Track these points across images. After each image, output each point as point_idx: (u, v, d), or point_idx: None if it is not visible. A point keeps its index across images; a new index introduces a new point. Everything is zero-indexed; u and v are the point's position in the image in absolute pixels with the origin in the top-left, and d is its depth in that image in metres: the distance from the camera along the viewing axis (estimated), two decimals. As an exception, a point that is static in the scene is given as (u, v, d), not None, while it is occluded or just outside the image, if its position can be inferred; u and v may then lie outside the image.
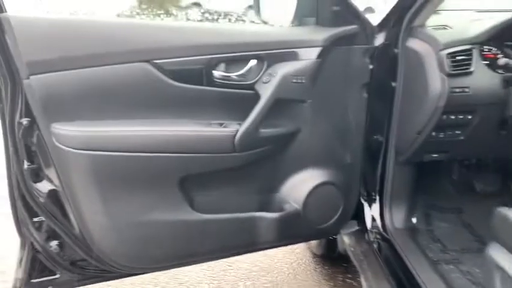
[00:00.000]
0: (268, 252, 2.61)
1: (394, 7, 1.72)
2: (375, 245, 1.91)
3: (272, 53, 1.61)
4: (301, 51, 1.63)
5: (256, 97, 1.60)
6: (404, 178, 1.93)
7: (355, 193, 1.96)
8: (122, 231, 1.59)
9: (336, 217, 1.89)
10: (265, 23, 1.92)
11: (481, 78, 1.68)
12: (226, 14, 1.87)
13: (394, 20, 1.72)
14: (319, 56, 1.63)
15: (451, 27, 1.84)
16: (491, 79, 1.69)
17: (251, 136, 1.60)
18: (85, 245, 1.62)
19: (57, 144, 1.43)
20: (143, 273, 1.92)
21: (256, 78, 1.62)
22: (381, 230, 1.89)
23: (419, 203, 2.12)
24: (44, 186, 1.55)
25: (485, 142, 1.85)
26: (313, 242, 2.59)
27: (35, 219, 1.59)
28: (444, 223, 2.08)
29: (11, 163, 1.51)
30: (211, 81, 1.57)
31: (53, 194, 1.55)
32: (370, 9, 2.60)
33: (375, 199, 1.92)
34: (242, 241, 1.81)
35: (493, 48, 1.72)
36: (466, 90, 1.66)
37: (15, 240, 1.66)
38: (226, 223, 1.72)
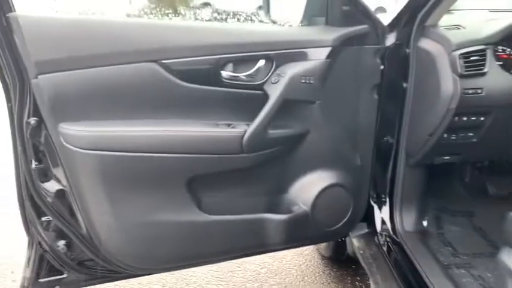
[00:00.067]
0: (276, 254, 2.61)
1: (405, 6, 1.70)
2: (385, 248, 1.89)
3: (281, 53, 1.59)
4: (311, 51, 1.61)
5: (265, 97, 1.59)
6: (415, 180, 1.91)
7: (365, 195, 1.94)
8: (129, 232, 1.59)
9: (345, 219, 1.87)
10: (274, 22, 1.91)
11: (495, 79, 1.65)
12: (235, 14, 1.85)
13: (406, 20, 1.69)
14: (329, 56, 1.61)
15: (464, 27, 1.81)
16: (505, 80, 1.66)
17: (259, 137, 1.58)
18: (92, 245, 1.62)
19: (64, 144, 1.43)
20: (150, 274, 1.92)
21: (265, 79, 1.60)
22: (391, 232, 1.87)
23: (430, 206, 2.09)
24: (51, 186, 1.55)
25: (498, 144, 1.82)
26: (322, 244, 2.57)
27: (43, 219, 1.60)
28: (455, 226, 2.04)
29: (19, 163, 1.51)
30: (219, 82, 1.55)
31: (60, 194, 1.55)
32: (381, 9, 2.58)
33: (385, 201, 1.90)
34: (250, 243, 1.79)
35: (507, 49, 1.69)
36: (479, 91, 1.63)
37: (24, 239, 1.67)
38: (233, 224, 1.71)
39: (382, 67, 1.73)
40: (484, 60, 1.64)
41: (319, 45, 1.62)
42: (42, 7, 1.55)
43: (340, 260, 2.53)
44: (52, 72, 1.37)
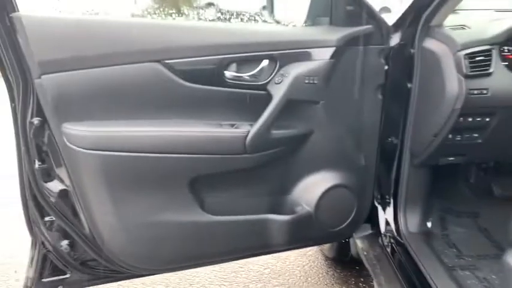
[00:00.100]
0: (280, 254, 2.60)
1: (410, 6, 1.69)
2: (389, 249, 1.88)
3: (285, 53, 1.59)
4: (314, 52, 1.60)
5: (268, 98, 1.58)
6: (420, 181, 1.90)
7: (369, 196, 1.93)
8: (132, 232, 1.59)
9: (348, 220, 1.86)
10: (278, 22, 1.90)
11: (501, 79, 1.64)
12: (238, 14, 1.85)
13: (411, 20, 1.68)
14: (333, 56, 1.60)
15: (469, 27, 1.79)
16: (511, 81, 1.65)
17: (263, 137, 1.58)
18: (95, 245, 1.62)
19: (67, 144, 1.43)
20: (153, 274, 1.92)
21: (269, 79, 1.59)
22: (395, 234, 1.86)
23: (434, 207, 2.08)
24: (55, 186, 1.55)
25: (503, 145, 1.81)
26: (326, 245, 2.56)
27: (46, 219, 1.60)
28: (460, 228, 2.03)
29: (23, 162, 1.52)
30: (222, 82, 1.55)
31: (63, 194, 1.55)
32: (386, 9, 2.57)
33: (389, 202, 1.89)
34: (253, 243, 1.79)
35: None
36: (485, 92, 1.62)
37: (27, 239, 1.67)
38: (236, 225, 1.70)
39: (386, 67, 1.72)
40: (490, 60, 1.63)
41: (323, 45, 1.61)
42: (46, 7, 1.55)
43: (344, 261, 2.51)
44: (55, 72, 1.37)
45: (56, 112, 1.41)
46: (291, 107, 1.59)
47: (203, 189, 1.63)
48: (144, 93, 1.48)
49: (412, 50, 1.66)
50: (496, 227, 2.00)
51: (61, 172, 1.54)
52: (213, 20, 1.87)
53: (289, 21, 1.84)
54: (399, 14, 1.74)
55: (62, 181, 1.55)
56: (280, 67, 1.59)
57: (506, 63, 1.66)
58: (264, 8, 2.07)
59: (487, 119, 1.70)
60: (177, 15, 1.76)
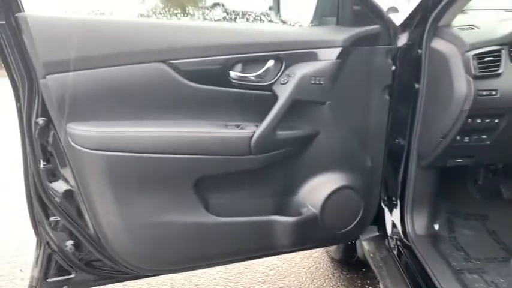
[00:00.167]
0: (285, 256, 2.59)
1: (418, 6, 1.67)
2: (395, 252, 1.86)
3: (290, 53, 1.57)
4: (321, 52, 1.59)
5: (274, 98, 1.57)
6: (427, 183, 1.88)
7: (375, 198, 1.91)
8: (136, 232, 1.58)
9: (354, 222, 1.85)
10: (284, 22, 1.89)
11: (510, 80, 1.61)
12: (244, 14, 1.84)
13: (418, 20, 1.66)
14: (339, 56, 1.59)
15: (478, 27, 1.77)
16: None
17: (268, 138, 1.57)
18: (99, 245, 1.62)
19: (72, 144, 1.43)
20: (157, 275, 1.91)
21: (274, 79, 1.58)
22: (402, 236, 1.84)
23: (442, 209, 2.05)
24: (59, 186, 1.55)
25: None
26: (332, 247, 2.54)
27: (51, 219, 1.60)
28: (468, 230, 2.01)
29: (28, 162, 1.52)
30: (228, 82, 1.54)
31: (68, 194, 1.55)
32: (394, 9, 2.54)
33: (396, 204, 1.87)
34: (258, 245, 1.78)
35: None
36: (494, 93, 1.60)
37: (32, 238, 1.67)
38: (241, 226, 1.69)
39: (393, 68, 1.70)
40: (499, 61, 1.61)
41: (330, 45, 1.60)
42: (51, 7, 1.55)
43: (350, 263, 2.50)
44: (60, 72, 1.37)
45: (60, 112, 1.41)
46: (296, 107, 1.58)
47: (208, 190, 1.62)
48: (149, 94, 1.48)
49: (419, 51, 1.64)
50: (505, 230, 1.98)
51: (66, 172, 1.53)
52: (218, 20, 1.86)
53: (295, 21, 1.82)
54: (407, 14, 1.72)
55: (66, 181, 1.55)
56: (286, 67, 1.58)
57: None
58: (270, 8, 2.06)
59: (496, 121, 1.67)
60: (182, 15, 1.75)
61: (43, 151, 1.49)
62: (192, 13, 1.79)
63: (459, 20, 1.74)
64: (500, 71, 1.60)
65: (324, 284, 2.42)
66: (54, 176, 1.54)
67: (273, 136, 1.57)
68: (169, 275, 2.35)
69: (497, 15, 2.14)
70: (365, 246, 1.96)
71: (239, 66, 1.56)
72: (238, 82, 1.56)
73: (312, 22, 1.81)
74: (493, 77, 1.60)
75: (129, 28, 1.48)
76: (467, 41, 1.60)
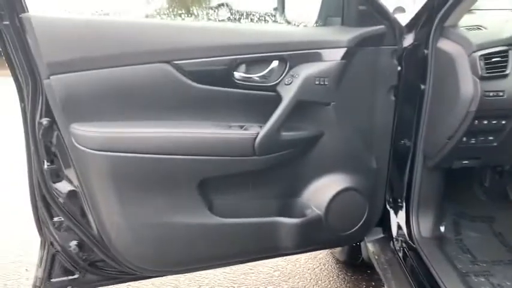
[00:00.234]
0: (290, 257, 2.58)
1: (424, 6, 1.66)
2: (400, 254, 1.85)
3: (295, 54, 1.56)
4: (325, 52, 1.58)
5: (278, 99, 1.56)
6: (433, 184, 1.86)
7: (381, 199, 1.90)
8: (139, 233, 1.58)
9: (359, 224, 1.83)
10: (288, 23, 1.88)
11: None
12: (248, 14, 1.83)
13: (424, 20, 1.65)
14: (344, 57, 1.58)
15: (485, 28, 1.75)
16: None
17: (272, 139, 1.56)
18: (103, 246, 1.62)
19: (76, 144, 1.43)
20: (160, 276, 1.91)
21: (278, 80, 1.57)
22: (407, 238, 1.83)
23: (448, 211, 2.04)
24: (63, 187, 1.55)
25: None
26: (337, 248, 2.53)
27: (55, 219, 1.60)
28: (474, 232, 1.99)
29: (32, 163, 1.52)
30: (232, 83, 1.53)
31: (72, 195, 1.55)
32: (400, 9, 2.53)
33: (401, 206, 1.85)
34: (262, 246, 1.77)
35: None
36: (501, 94, 1.58)
37: (37, 238, 1.68)
38: (245, 227, 1.68)
39: (399, 68, 1.69)
40: (506, 61, 1.59)
41: (334, 45, 1.59)
42: (55, 8, 1.55)
43: (355, 265, 2.49)
44: (64, 73, 1.37)
45: (64, 113, 1.41)
46: (301, 108, 1.57)
47: (212, 191, 1.61)
48: (152, 94, 1.48)
49: (425, 51, 1.63)
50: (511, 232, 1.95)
51: (69, 173, 1.54)
52: (222, 21, 1.85)
53: (300, 22, 1.81)
54: (413, 14, 1.70)
55: (70, 182, 1.55)
56: (290, 68, 1.57)
57: None
58: (275, 9, 2.05)
59: (503, 122, 1.65)
60: (186, 15, 1.74)
61: (47, 151, 1.49)
62: (196, 13, 1.78)
63: (466, 20, 1.72)
64: (507, 71, 1.58)
65: (329, 286, 2.41)
66: (58, 176, 1.55)
67: (277, 137, 1.57)
68: (174, 275, 2.34)
69: (504, 16, 2.12)
70: (370, 248, 1.94)
71: (243, 66, 1.56)
72: (243, 83, 1.55)
73: (316, 22, 1.80)
74: (500, 77, 1.58)
75: (133, 29, 1.47)
76: (474, 42, 1.58)
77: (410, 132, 1.74)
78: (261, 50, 1.55)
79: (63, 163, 1.53)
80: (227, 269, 2.50)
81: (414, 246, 1.78)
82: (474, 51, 1.57)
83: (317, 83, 1.56)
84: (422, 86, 1.65)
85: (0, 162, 4.16)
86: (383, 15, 1.63)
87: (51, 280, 1.68)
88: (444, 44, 1.62)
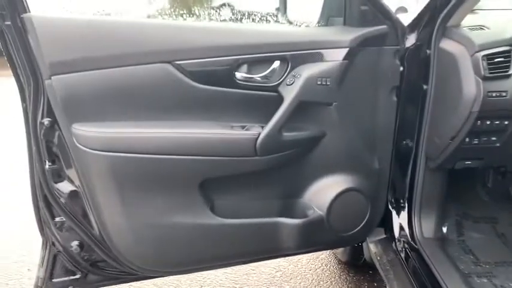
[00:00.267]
0: (292, 257, 2.58)
1: (426, 6, 1.65)
2: (403, 255, 1.84)
3: (296, 54, 1.56)
4: (327, 52, 1.57)
5: (280, 99, 1.56)
6: (435, 185, 1.85)
7: (383, 200, 1.89)
8: (140, 233, 1.58)
9: (361, 225, 1.83)
10: (290, 23, 1.87)
11: None
12: (250, 14, 1.83)
13: (427, 20, 1.64)
14: (346, 57, 1.57)
15: (488, 28, 1.74)
16: None
17: (274, 139, 1.55)
18: (104, 246, 1.62)
19: (77, 144, 1.43)
20: (161, 276, 1.91)
21: (280, 80, 1.57)
22: (409, 239, 1.82)
23: (450, 212, 2.03)
24: (65, 187, 1.55)
25: None
26: (339, 249, 2.52)
27: (57, 219, 1.60)
28: (477, 233, 1.98)
29: (34, 163, 1.52)
30: (233, 83, 1.53)
31: (73, 195, 1.56)
32: (403, 9, 2.51)
33: (404, 207, 1.85)
34: (263, 247, 1.77)
35: None
36: (504, 94, 1.57)
37: (39, 238, 1.68)
38: (247, 228, 1.68)
39: (401, 68, 1.68)
40: (509, 62, 1.58)
41: (336, 46, 1.58)
42: (56, 8, 1.55)
43: (357, 265, 2.48)
44: (65, 73, 1.37)
45: (65, 113, 1.41)
46: (302, 108, 1.57)
47: (213, 191, 1.61)
48: (154, 95, 1.48)
49: (428, 51, 1.62)
50: None
51: (71, 173, 1.54)
52: (224, 21, 1.85)
53: (302, 22, 1.81)
54: (415, 14, 1.70)
55: (72, 182, 1.55)
56: (292, 68, 1.56)
57: None
58: (277, 9, 2.05)
59: (506, 122, 1.64)
60: (188, 15, 1.74)
61: (48, 152, 1.49)
62: (197, 14, 1.78)
63: (469, 20, 1.71)
64: (510, 72, 1.57)
65: (331, 286, 2.41)
66: (59, 176, 1.55)
67: (279, 137, 1.56)
68: (175, 276, 2.34)
69: (507, 16, 2.11)
70: (372, 248, 1.94)
71: (245, 67, 1.55)
72: (244, 83, 1.55)
73: (318, 22, 1.79)
74: (503, 78, 1.57)
75: (134, 29, 1.47)
76: (476, 42, 1.57)
77: (413, 132, 1.73)
78: (262, 50, 1.54)
79: (64, 163, 1.53)
80: (229, 269, 2.50)
81: (416, 247, 1.77)
82: (477, 52, 1.56)
83: (319, 83, 1.55)
84: (425, 87, 1.65)
85: (0, 162, 4.17)
86: (385, 15, 1.62)
87: (53, 280, 1.68)
88: (447, 44, 1.62)
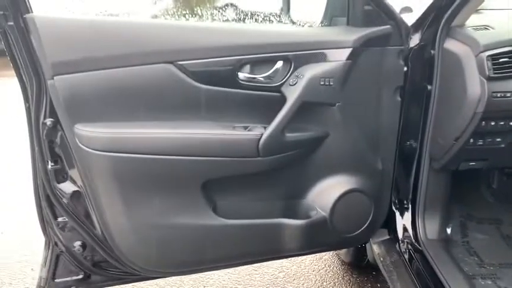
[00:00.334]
0: (295, 258, 2.57)
1: (430, 6, 1.64)
2: (406, 256, 1.83)
3: (299, 54, 1.55)
4: (330, 53, 1.56)
5: (283, 100, 1.55)
6: (439, 186, 1.84)
7: (386, 201, 1.88)
8: (142, 234, 1.58)
9: (365, 226, 1.82)
10: (293, 23, 1.87)
11: None
12: (253, 14, 1.82)
13: (431, 20, 1.63)
14: (350, 57, 1.56)
15: (492, 28, 1.73)
16: None
17: (276, 140, 1.55)
18: (106, 246, 1.62)
19: (79, 145, 1.43)
20: (163, 277, 1.91)
21: (283, 80, 1.56)
22: (413, 240, 1.81)
23: (454, 213, 2.02)
24: (67, 187, 1.55)
25: None
26: (342, 250, 2.51)
27: (59, 219, 1.61)
28: (481, 235, 1.97)
29: (36, 163, 1.52)
30: (236, 83, 1.53)
31: (76, 195, 1.56)
32: (407, 9, 2.51)
33: (407, 208, 1.84)
34: (266, 248, 1.76)
35: None
36: (508, 95, 1.56)
37: (42, 238, 1.68)
38: (249, 229, 1.68)
39: (405, 69, 1.67)
40: None
41: (340, 46, 1.57)
42: (59, 8, 1.55)
43: (360, 266, 2.47)
44: (68, 73, 1.37)
45: (68, 113, 1.41)
46: (305, 109, 1.56)
47: (216, 192, 1.61)
48: (156, 95, 1.47)
49: (432, 51, 1.61)
50: None
51: (73, 173, 1.54)
52: (226, 21, 1.85)
53: (305, 22, 1.80)
54: (419, 14, 1.69)
55: (74, 182, 1.55)
56: (295, 68, 1.56)
57: None
58: (281, 9, 2.04)
59: (511, 123, 1.63)
60: (191, 15, 1.74)
61: (51, 152, 1.50)
62: (200, 14, 1.77)
63: (473, 20, 1.70)
64: None
65: (334, 287, 2.40)
66: (62, 176, 1.55)
67: (282, 138, 1.55)
68: (178, 276, 2.34)
69: (512, 15, 2.09)
70: (375, 249, 1.93)
71: (247, 67, 1.55)
72: (247, 83, 1.55)
73: (322, 22, 1.78)
74: (507, 78, 1.56)
75: (136, 29, 1.47)
76: (481, 42, 1.56)
77: (417, 133, 1.72)
78: (265, 51, 1.54)
79: (67, 163, 1.53)
80: (231, 269, 2.49)
81: (420, 248, 1.76)
82: (481, 52, 1.55)
83: (322, 83, 1.55)
84: (429, 87, 1.64)
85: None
86: (389, 15, 1.61)
87: (56, 280, 1.69)
88: (451, 44, 1.61)
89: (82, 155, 1.45)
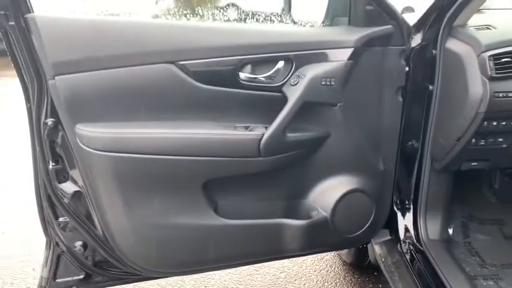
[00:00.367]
0: (296, 258, 2.57)
1: (432, 5, 1.63)
2: (408, 257, 1.83)
3: (301, 54, 1.55)
4: (332, 53, 1.56)
5: (284, 100, 1.55)
6: (441, 186, 1.84)
7: (388, 201, 1.87)
8: (143, 234, 1.58)
9: (366, 226, 1.81)
10: (295, 23, 1.86)
11: None
12: (254, 14, 1.82)
13: (433, 20, 1.63)
14: (351, 57, 1.56)
15: (495, 28, 1.72)
16: None
17: (278, 140, 1.54)
18: (107, 246, 1.62)
19: (80, 145, 1.43)
20: (164, 277, 1.91)
21: (284, 80, 1.56)
22: (415, 240, 1.80)
23: (456, 213, 2.01)
24: (68, 187, 1.55)
25: None
26: (343, 250, 2.51)
27: (60, 219, 1.61)
28: (483, 235, 1.96)
29: (37, 163, 1.52)
30: (237, 83, 1.52)
31: (77, 195, 1.56)
32: (409, 9, 2.50)
33: (409, 208, 1.83)
34: (267, 248, 1.76)
35: None
36: (510, 95, 1.55)
37: (44, 238, 1.68)
38: (250, 229, 1.67)
39: (407, 69, 1.67)
40: None
41: (341, 46, 1.57)
42: (60, 8, 1.55)
43: (362, 267, 2.47)
44: (69, 73, 1.37)
45: (69, 113, 1.41)
46: (307, 109, 1.55)
47: (217, 192, 1.61)
48: (157, 95, 1.47)
49: (434, 51, 1.61)
50: None
51: (75, 173, 1.54)
52: (228, 21, 1.84)
53: (306, 22, 1.80)
54: (421, 14, 1.68)
55: (75, 182, 1.55)
56: (296, 68, 1.55)
57: None
58: (283, 9, 2.04)
59: None
60: (193, 15, 1.73)
61: (52, 152, 1.50)
62: (201, 14, 1.77)
63: (475, 20, 1.70)
64: None
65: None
66: (63, 176, 1.55)
67: (283, 138, 1.55)
68: (179, 276, 2.34)
69: (515, 15, 2.09)
70: (377, 250, 1.93)
71: (249, 67, 1.54)
72: (248, 83, 1.54)
73: (323, 22, 1.78)
74: (509, 78, 1.55)
75: (137, 29, 1.47)
76: (483, 42, 1.55)
77: (418, 133, 1.72)
78: (266, 50, 1.54)
79: (68, 163, 1.53)
80: (233, 270, 2.49)
81: (422, 248, 1.76)
82: (483, 52, 1.54)
83: (323, 83, 1.54)
84: (431, 87, 1.63)
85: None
86: (390, 15, 1.61)
87: (57, 280, 1.69)
88: (453, 44, 1.60)
89: (83, 155, 1.45)
